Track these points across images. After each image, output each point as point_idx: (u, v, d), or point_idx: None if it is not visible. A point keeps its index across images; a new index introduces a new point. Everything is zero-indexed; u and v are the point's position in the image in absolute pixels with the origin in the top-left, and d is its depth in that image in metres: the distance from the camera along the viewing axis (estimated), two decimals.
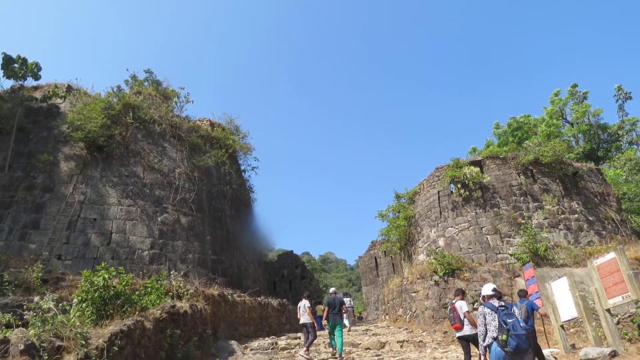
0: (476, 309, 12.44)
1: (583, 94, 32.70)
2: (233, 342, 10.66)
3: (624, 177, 25.12)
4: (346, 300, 17.24)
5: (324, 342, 11.99)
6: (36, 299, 8.73)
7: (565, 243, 16.53)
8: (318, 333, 11.01)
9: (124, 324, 6.37)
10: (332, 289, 12.17)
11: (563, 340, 9.71)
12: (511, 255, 16.25)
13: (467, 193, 18.09)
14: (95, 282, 7.34)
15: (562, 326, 9.93)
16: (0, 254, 12.45)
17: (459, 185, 18.53)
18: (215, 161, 18.90)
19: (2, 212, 14.04)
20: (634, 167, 25.57)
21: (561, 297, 9.96)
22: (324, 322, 10.33)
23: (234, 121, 22.19)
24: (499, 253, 16.58)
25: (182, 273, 11.91)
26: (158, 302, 8.85)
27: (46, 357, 4.82)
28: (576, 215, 17.54)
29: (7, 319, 7.60)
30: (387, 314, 19.36)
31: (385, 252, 28.86)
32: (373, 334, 14.00)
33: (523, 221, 17.12)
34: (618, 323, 9.34)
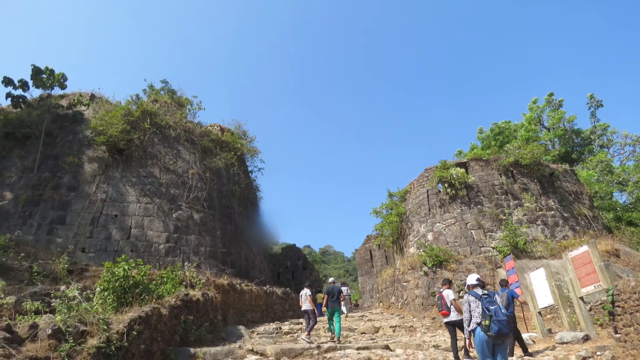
0: (462, 297, 12.45)
1: (559, 102, 32.70)
2: (241, 327, 10.63)
3: (596, 177, 25.15)
4: (344, 289, 17.20)
5: (323, 327, 11.97)
6: (62, 288, 8.75)
7: (543, 237, 16.53)
8: (318, 319, 11.00)
9: (142, 311, 6.35)
10: (331, 279, 12.18)
11: (540, 326, 9.72)
12: (493, 248, 16.24)
13: (454, 192, 18.10)
14: (116, 273, 7.34)
15: (539, 313, 9.94)
16: (30, 247, 12.48)
17: (446, 185, 18.53)
18: (225, 163, 18.89)
19: (32, 209, 14.05)
20: (604, 169, 25.61)
21: (539, 286, 9.97)
22: (324, 309, 10.32)
23: (242, 126, 22.16)
24: (483, 246, 16.58)
25: (194, 264, 11.89)
26: (173, 290, 8.84)
27: (71, 341, 4.81)
28: (552, 212, 17.54)
29: (36, 306, 7.62)
30: (380, 302, 19.35)
31: (379, 245, 28.80)
32: (368, 320, 13.98)
33: (504, 217, 17.12)
34: (590, 310, 9.33)
